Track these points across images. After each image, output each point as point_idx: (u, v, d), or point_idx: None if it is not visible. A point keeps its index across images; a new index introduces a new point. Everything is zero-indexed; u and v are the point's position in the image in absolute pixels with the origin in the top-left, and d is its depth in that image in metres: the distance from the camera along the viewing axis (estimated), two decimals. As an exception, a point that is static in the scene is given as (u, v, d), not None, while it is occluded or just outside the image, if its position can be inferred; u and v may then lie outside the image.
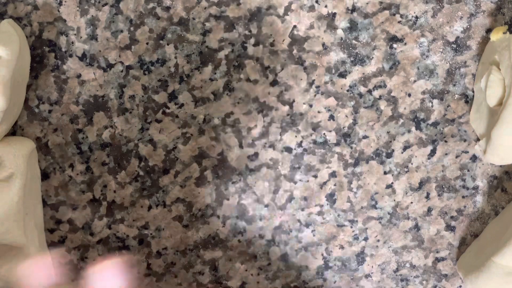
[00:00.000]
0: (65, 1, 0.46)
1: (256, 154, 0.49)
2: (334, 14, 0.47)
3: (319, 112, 0.48)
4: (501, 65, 0.44)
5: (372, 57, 0.47)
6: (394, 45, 0.47)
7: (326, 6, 0.46)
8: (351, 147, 0.49)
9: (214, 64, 0.47)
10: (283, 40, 0.47)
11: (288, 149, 0.49)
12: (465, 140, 0.49)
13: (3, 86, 0.41)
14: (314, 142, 0.49)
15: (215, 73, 0.47)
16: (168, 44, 0.47)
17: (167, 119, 0.48)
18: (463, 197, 0.50)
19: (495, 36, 0.45)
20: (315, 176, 0.49)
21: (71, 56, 0.46)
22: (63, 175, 0.48)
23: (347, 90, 0.48)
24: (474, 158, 0.49)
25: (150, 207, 0.49)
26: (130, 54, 0.47)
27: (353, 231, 0.50)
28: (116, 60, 0.47)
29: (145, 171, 0.48)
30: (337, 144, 0.49)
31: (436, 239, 0.51)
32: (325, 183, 0.49)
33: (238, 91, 0.48)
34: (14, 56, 0.42)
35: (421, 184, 0.50)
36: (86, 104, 0.47)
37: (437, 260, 0.51)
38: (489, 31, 0.47)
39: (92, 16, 0.46)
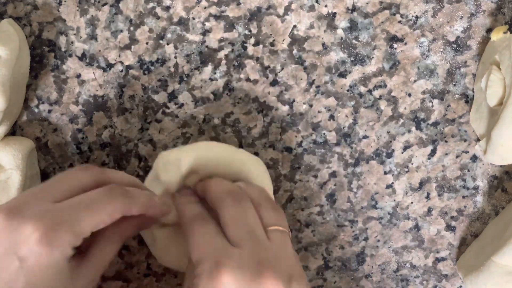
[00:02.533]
0: (65, 1, 0.46)
1: (256, 154, 0.48)
2: (334, 14, 0.46)
3: (319, 112, 0.48)
4: (502, 65, 0.44)
5: (372, 57, 0.47)
6: (394, 45, 0.47)
7: (326, 6, 0.46)
8: (351, 147, 0.49)
9: (214, 64, 0.47)
10: (283, 40, 0.47)
11: (288, 149, 0.49)
12: (465, 140, 0.49)
13: (2, 86, 0.41)
14: (314, 142, 0.49)
15: (215, 73, 0.47)
16: (168, 44, 0.47)
17: (167, 119, 0.48)
18: (463, 197, 0.50)
19: (495, 36, 0.45)
20: (315, 176, 0.49)
21: (70, 56, 0.46)
22: (63, 175, 0.48)
23: (347, 90, 0.48)
24: (474, 158, 0.49)
25: (150, 207, 0.49)
26: (130, 54, 0.47)
27: (353, 231, 0.50)
28: (116, 60, 0.47)
29: (145, 171, 0.48)
30: (337, 144, 0.49)
31: (436, 239, 0.51)
32: (325, 183, 0.49)
33: (238, 91, 0.47)
34: (13, 55, 0.42)
35: (421, 184, 0.50)
36: (85, 104, 0.47)
37: (437, 260, 0.51)
38: (489, 30, 0.47)
39: (92, 16, 0.46)
